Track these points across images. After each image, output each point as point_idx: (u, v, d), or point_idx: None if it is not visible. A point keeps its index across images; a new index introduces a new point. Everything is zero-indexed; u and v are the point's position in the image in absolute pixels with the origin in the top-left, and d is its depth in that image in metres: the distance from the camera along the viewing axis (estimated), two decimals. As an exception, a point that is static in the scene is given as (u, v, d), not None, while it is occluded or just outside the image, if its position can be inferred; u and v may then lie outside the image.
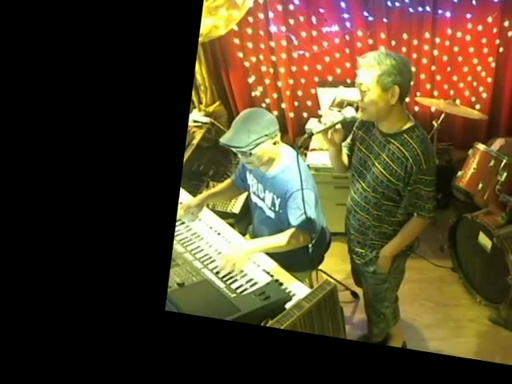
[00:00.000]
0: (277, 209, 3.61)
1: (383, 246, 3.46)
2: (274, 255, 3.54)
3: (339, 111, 3.23)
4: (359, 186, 3.40)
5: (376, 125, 3.26)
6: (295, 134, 6.15)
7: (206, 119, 5.69)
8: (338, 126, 3.22)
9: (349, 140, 3.55)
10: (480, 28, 5.27)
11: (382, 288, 3.69)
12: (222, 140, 3.44)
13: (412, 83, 3.10)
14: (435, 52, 5.50)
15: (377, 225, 3.41)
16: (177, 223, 3.73)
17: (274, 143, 3.43)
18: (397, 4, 5.22)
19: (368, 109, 3.08)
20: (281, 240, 3.50)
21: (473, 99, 5.74)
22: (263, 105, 6.02)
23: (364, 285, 3.90)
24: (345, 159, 3.56)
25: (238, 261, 3.39)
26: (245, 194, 4.34)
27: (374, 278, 3.65)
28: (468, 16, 5.21)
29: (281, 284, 3.27)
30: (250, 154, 3.38)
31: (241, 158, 3.53)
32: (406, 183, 3.16)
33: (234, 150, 3.45)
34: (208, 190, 4.84)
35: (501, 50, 5.41)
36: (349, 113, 3.17)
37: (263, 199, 3.70)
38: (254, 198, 3.82)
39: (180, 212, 3.73)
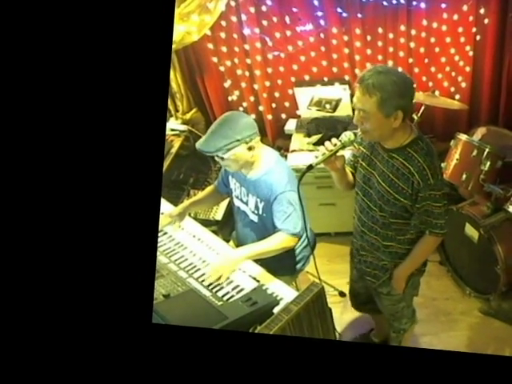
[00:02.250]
0: (260, 212, 3.59)
1: (396, 266, 3.35)
2: (259, 260, 3.51)
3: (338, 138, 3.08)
4: (365, 205, 3.27)
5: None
6: (274, 136, 6.14)
7: (184, 127, 5.67)
8: (339, 153, 3.08)
9: (351, 157, 3.39)
10: (456, 17, 5.30)
11: (398, 307, 3.59)
12: (197, 145, 3.44)
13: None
14: (412, 44, 5.51)
15: (387, 245, 3.28)
16: (159, 234, 3.70)
17: (250, 148, 3.39)
18: (370, -2, 5.23)
19: (370, 133, 2.96)
20: (268, 245, 3.47)
21: (452, 89, 5.75)
22: (240, 108, 6.00)
23: (379, 305, 3.74)
24: (349, 178, 3.40)
25: (226, 272, 3.36)
26: (226, 201, 4.32)
27: (388, 300, 3.55)
28: (443, 6, 5.23)
29: (267, 289, 3.24)
30: (222, 158, 3.37)
31: (219, 161, 3.51)
32: (414, 200, 3.03)
33: (206, 154, 3.45)
34: (189, 198, 4.82)
35: (478, 38, 5.43)
36: (347, 137, 3.06)
37: (246, 203, 3.68)
38: (237, 203, 3.79)
39: (162, 222, 3.70)
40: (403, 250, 3.29)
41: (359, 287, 3.82)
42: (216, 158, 3.47)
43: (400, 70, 3.06)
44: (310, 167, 3.03)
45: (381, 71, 2.83)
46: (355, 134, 3.10)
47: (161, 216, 3.67)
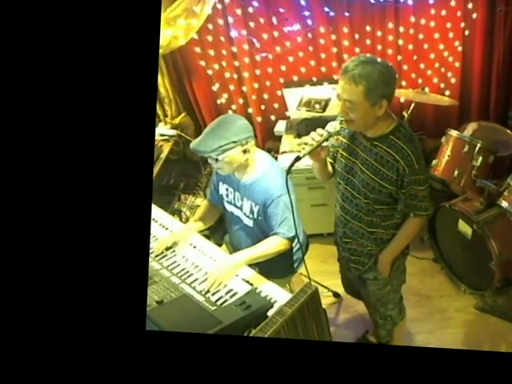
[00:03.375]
0: (255, 216, 3.58)
1: (381, 252, 3.39)
2: (253, 263, 3.49)
3: (323, 128, 3.10)
4: (348, 193, 3.30)
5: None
6: (264, 138, 6.12)
7: (173, 132, 5.64)
8: (324, 143, 3.10)
9: (329, 147, 3.37)
10: (444, 13, 5.31)
11: (384, 292, 3.60)
12: (191, 145, 3.43)
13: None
14: (400, 41, 5.51)
15: (372, 231, 3.32)
16: (151, 240, 3.67)
17: (244, 151, 3.39)
18: (357, -4, 5.22)
19: (355, 122, 2.98)
20: (264, 249, 3.47)
21: (442, 86, 5.75)
22: (229, 111, 5.98)
23: (365, 292, 3.78)
24: (329, 168, 3.44)
25: (225, 279, 3.33)
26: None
27: (375, 284, 3.57)
28: (430, 1, 5.24)
29: (261, 292, 3.22)
30: (217, 159, 3.36)
31: (212, 163, 3.49)
32: (400, 186, 3.08)
33: (200, 154, 3.44)
34: (180, 203, 4.80)
35: (466, 32, 5.44)
36: (333, 128, 3.08)
37: (240, 208, 3.67)
38: (230, 208, 3.78)
39: (164, 245, 3.67)
40: (388, 236, 3.35)
41: (349, 275, 3.85)
42: (209, 160, 3.45)
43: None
44: (298, 158, 3.03)
45: (365, 61, 2.87)
46: (341, 124, 3.14)
47: (163, 241, 3.68)
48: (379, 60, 2.96)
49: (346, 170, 3.27)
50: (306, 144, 3.07)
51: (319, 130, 3.07)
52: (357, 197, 3.24)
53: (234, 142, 3.34)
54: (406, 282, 3.69)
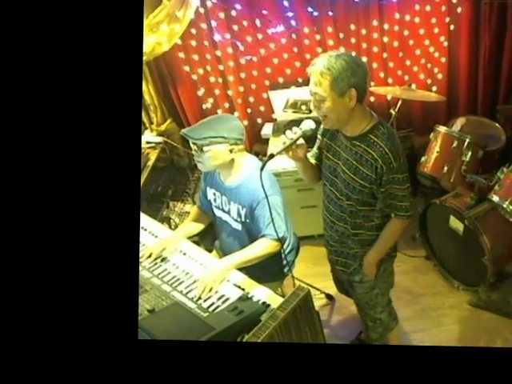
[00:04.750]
0: (243, 219, 3.57)
1: (366, 254, 3.37)
2: (244, 268, 3.47)
3: (298, 126, 3.12)
4: (332, 195, 3.31)
5: (340, 130, 3.15)
6: (251, 142, 6.09)
7: (159, 139, 5.60)
8: (300, 141, 3.10)
9: (315, 149, 3.45)
10: (428, 8, 5.34)
11: (371, 295, 3.59)
12: (183, 130, 3.52)
13: (368, 80, 2.98)
14: (385, 39, 5.53)
15: (356, 232, 3.32)
16: (140, 248, 3.64)
17: (231, 150, 3.40)
18: (341, -5, 5.22)
19: (328, 117, 2.98)
20: (253, 252, 3.46)
21: (429, 82, 5.78)
22: (215, 116, 5.92)
23: (353, 294, 3.77)
24: (315, 170, 3.44)
25: (215, 284, 3.31)
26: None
27: (361, 287, 3.56)
28: (415, -3, 5.24)
29: (253, 296, 3.20)
30: (202, 149, 3.36)
31: (195, 156, 3.48)
32: (379, 184, 3.06)
33: (188, 139, 3.43)
34: (169, 210, 4.78)
35: (452, 27, 5.47)
36: (307, 125, 3.09)
37: (228, 212, 3.66)
38: (218, 213, 3.77)
39: (155, 254, 3.64)
40: (372, 237, 3.33)
41: (340, 275, 3.82)
42: (194, 152, 3.46)
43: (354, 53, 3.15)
44: (272, 156, 3.05)
45: (331, 55, 2.91)
46: (316, 122, 3.14)
47: (152, 249, 3.65)
48: (345, 53, 2.98)
49: (330, 172, 3.28)
50: (284, 143, 3.07)
51: (294, 129, 3.09)
52: (340, 198, 3.25)
53: (224, 138, 3.36)
54: (393, 285, 3.68)
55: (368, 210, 3.21)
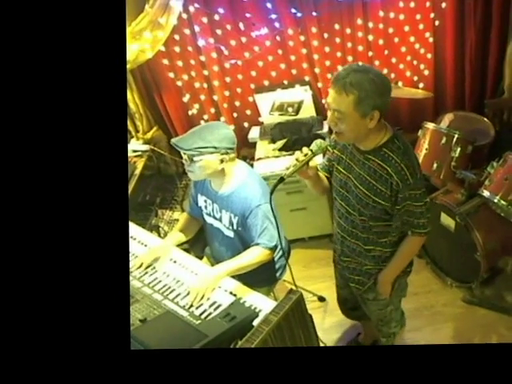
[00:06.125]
0: (235, 227, 3.55)
1: (380, 270, 3.27)
2: (235, 275, 3.45)
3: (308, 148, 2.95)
4: (343, 210, 3.17)
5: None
6: (238, 146, 6.03)
7: (146, 147, 5.57)
8: (311, 163, 2.97)
9: (325, 161, 3.30)
10: (412, 4, 5.36)
11: (386, 312, 3.54)
12: (172, 140, 3.41)
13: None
14: (370, 37, 5.53)
15: (369, 249, 3.19)
16: (130, 258, 3.62)
17: (222, 160, 3.36)
18: (324, -5, 5.22)
19: (345, 134, 2.82)
20: (245, 260, 3.43)
21: (415, 79, 5.81)
22: (202, 122, 5.94)
23: (366, 310, 3.67)
24: (324, 183, 3.29)
25: (207, 292, 3.28)
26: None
27: (375, 305, 3.49)
28: (399, -6, 5.24)
29: (245, 302, 3.18)
30: (192, 159, 3.33)
31: (185, 165, 3.45)
32: (394, 201, 2.92)
33: (178, 149, 3.38)
34: (157, 218, 4.75)
35: (437, 23, 5.49)
36: (318, 146, 2.93)
37: (220, 219, 3.64)
38: (209, 220, 3.75)
39: (146, 263, 3.60)
40: (386, 254, 3.22)
41: (346, 293, 3.77)
42: (184, 161, 3.41)
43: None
44: (282, 179, 2.93)
45: (357, 69, 2.69)
46: (325, 141, 3.00)
47: (141, 257, 3.63)
48: (372, 69, 2.78)
49: (340, 185, 3.13)
50: (294, 165, 2.92)
51: (304, 149, 2.93)
52: (352, 213, 3.11)
53: (215, 148, 3.31)
54: (406, 295, 3.62)
55: (381, 226, 3.08)
